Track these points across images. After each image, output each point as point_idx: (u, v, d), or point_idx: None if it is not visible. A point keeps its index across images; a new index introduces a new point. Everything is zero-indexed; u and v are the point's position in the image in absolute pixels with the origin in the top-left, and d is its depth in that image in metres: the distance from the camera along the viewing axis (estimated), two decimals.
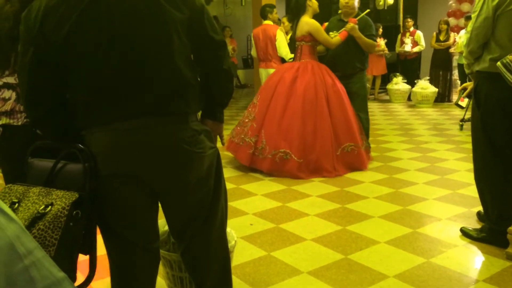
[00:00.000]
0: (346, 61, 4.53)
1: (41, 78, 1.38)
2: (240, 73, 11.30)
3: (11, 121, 1.72)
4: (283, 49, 6.00)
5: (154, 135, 1.39)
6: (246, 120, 4.48)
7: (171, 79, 1.41)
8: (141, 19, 1.36)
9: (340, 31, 4.38)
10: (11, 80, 1.71)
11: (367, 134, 4.60)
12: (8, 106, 1.72)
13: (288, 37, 6.13)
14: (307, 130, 4.15)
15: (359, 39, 4.39)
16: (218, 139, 1.73)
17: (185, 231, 1.59)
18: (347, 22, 4.41)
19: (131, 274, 1.57)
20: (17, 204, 1.38)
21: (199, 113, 1.61)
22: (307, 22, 4.31)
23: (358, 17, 4.45)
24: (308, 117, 4.17)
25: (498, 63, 2.38)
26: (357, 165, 4.29)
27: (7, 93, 1.73)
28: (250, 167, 4.37)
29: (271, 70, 6.03)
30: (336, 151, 4.20)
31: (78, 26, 1.32)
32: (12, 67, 1.70)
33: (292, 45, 5.48)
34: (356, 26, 4.34)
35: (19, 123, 1.71)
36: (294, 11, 4.49)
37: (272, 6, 6.38)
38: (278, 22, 6.40)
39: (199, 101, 1.52)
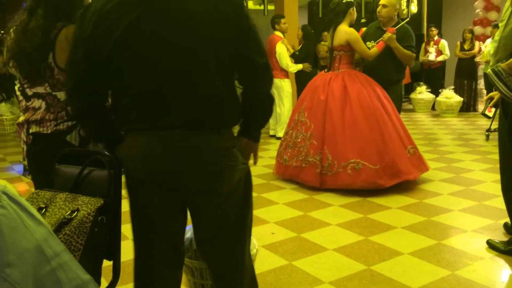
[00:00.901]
0: (382, 73, 4.32)
1: (87, 76, 1.42)
2: None
3: (41, 129, 1.76)
4: (283, 61, 6.10)
5: (188, 145, 1.42)
6: (299, 140, 4.24)
7: (210, 95, 1.43)
8: (189, 35, 1.38)
9: (378, 41, 4.24)
10: (41, 90, 1.76)
11: None
12: (38, 115, 1.76)
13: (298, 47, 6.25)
14: (374, 136, 3.94)
15: (396, 50, 4.19)
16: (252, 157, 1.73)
17: (211, 242, 1.58)
18: (385, 31, 4.24)
19: (156, 276, 1.58)
20: (44, 209, 1.41)
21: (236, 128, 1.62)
22: (346, 31, 4.17)
23: (397, 27, 4.26)
24: (371, 123, 3.98)
25: (489, 70, 2.36)
26: (422, 166, 4.14)
27: (37, 103, 1.78)
28: (272, 176, 4.35)
29: (277, 80, 6.09)
30: (406, 153, 4.06)
31: (127, 35, 1.36)
32: (42, 77, 1.74)
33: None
34: (394, 36, 4.15)
35: (49, 131, 1.75)
36: (332, 17, 4.27)
37: (280, 17, 6.44)
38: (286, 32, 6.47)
39: (236, 117, 1.53)
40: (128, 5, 1.36)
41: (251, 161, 1.70)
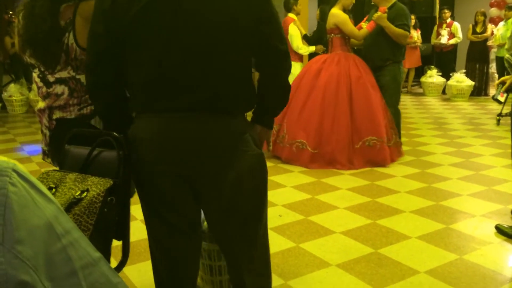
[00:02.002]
0: (375, 53, 4.42)
1: (107, 50, 1.41)
2: None
3: (65, 114, 1.76)
4: (295, 43, 6.02)
5: (200, 128, 1.41)
6: None
7: (226, 78, 1.41)
8: (207, 18, 1.36)
9: (364, 24, 4.33)
10: (64, 74, 1.74)
11: (398, 129, 4.48)
12: (61, 101, 1.75)
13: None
14: (325, 122, 4.21)
15: (387, 28, 4.23)
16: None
17: (223, 228, 1.56)
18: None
19: (174, 257, 1.59)
20: (54, 189, 1.42)
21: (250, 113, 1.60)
22: (333, 14, 4.33)
23: (388, 5, 4.30)
24: (327, 109, 4.22)
25: (507, 55, 2.31)
26: (379, 160, 4.19)
27: (59, 88, 1.76)
28: (276, 157, 4.38)
29: (293, 63, 6.11)
30: (355, 144, 4.18)
31: (145, 11, 1.34)
32: (63, 62, 1.72)
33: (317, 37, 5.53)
34: (384, 15, 4.21)
35: (73, 116, 1.74)
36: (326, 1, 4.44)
37: None
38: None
39: (250, 103, 1.51)
40: None
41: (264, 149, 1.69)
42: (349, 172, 4.07)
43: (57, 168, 1.58)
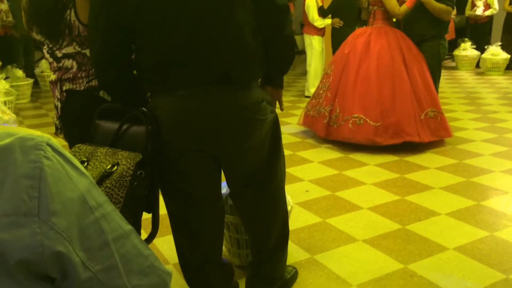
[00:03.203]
0: (415, 28, 4.18)
1: (112, 41, 1.42)
2: (298, 39, 11.07)
3: (74, 86, 1.79)
4: (310, 15, 5.90)
5: (217, 102, 1.42)
6: (321, 92, 4.35)
7: (235, 47, 1.41)
8: None
9: None
10: (70, 50, 1.77)
11: None
12: (70, 74, 1.78)
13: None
14: (384, 94, 3.93)
15: (428, 4, 3.97)
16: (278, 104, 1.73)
17: (244, 194, 1.62)
18: None
19: (196, 229, 1.63)
20: (86, 163, 1.46)
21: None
22: None
23: None
24: (385, 81, 3.96)
25: None
26: (442, 132, 4.01)
27: (68, 63, 1.79)
28: (307, 134, 4.35)
29: (306, 36, 6.08)
30: (419, 115, 3.95)
31: None
32: (68, 37, 1.74)
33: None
34: None
35: (82, 88, 1.78)
36: None
37: None
38: None
39: (260, 67, 1.51)
40: None
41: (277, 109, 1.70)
42: (377, 148, 4.00)
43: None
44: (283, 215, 1.75)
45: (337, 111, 4.11)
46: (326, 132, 4.16)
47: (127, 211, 1.36)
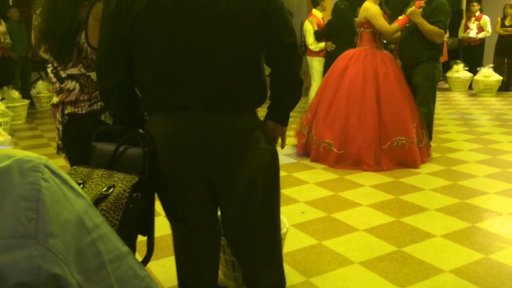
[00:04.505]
0: (407, 51, 4.20)
1: (115, 50, 1.44)
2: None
3: (76, 109, 1.80)
4: (306, 39, 6.06)
5: (208, 126, 1.41)
6: (307, 110, 4.59)
7: (232, 75, 1.41)
8: (211, 13, 1.36)
9: (401, 16, 4.13)
10: (74, 71, 1.79)
11: (429, 131, 4.27)
12: (73, 97, 1.80)
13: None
14: (350, 121, 4.05)
15: (420, 25, 3.98)
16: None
17: (238, 224, 1.57)
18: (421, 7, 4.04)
19: (194, 253, 1.61)
20: (81, 185, 1.46)
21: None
22: (365, 7, 4.17)
23: (423, 0, 4.02)
24: (353, 107, 4.06)
25: None
26: (407, 161, 4.00)
27: (71, 84, 1.81)
28: (304, 155, 4.39)
29: (308, 58, 6.30)
30: (383, 144, 3.99)
31: (146, 12, 1.36)
32: (75, 59, 1.77)
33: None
34: (418, 11, 3.97)
35: (84, 112, 1.79)
36: None
37: None
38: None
39: (260, 99, 1.49)
40: None
41: (278, 146, 1.66)
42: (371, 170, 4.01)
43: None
44: (279, 257, 1.68)
45: (313, 132, 4.31)
46: (304, 149, 4.41)
47: (122, 234, 1.33)
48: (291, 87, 1.55)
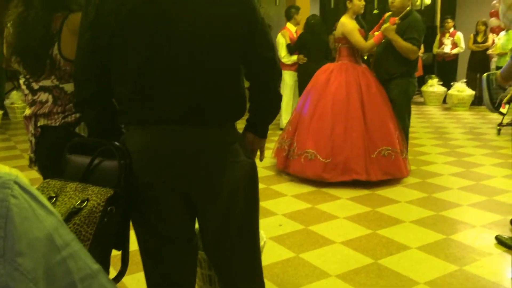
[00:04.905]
0: (382, 66, 4.28)
1: (92, 60, 1.42)
2: None
3: (49, 122, 1.77)
4: (280, 52, 6.15)
5: (188, 139, 1.40)
6: (287, 125, 4.58)
7: (211, 88, 1.40)
8: (189, 29, 1.35)
9: (377, 32, 4.22)
10: (47, 83, 1.76)
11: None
12: (46, 109, 1.77)
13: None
14: (336, 131, 4.03)
15: (394, 42, 4.05)
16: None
17: (217, 239, 1.54)
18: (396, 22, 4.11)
19: (169, 268, 1.58)
20: (54, 199, 1.43)
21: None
22: (342, 23, 4.24)
23: (399, 16, 4.08)
24: (338, 118, 4.06)
25: (484, 74, 2.30)
26: (393, 171, 4.03)
27: (43, 96, 1.78)
28: (279, 168, 4.38)
29: (283, 72, 6.21)
30: (371, 153, 4.01)
31: (128, 21, 1.35)
32: (48, 70, 1.74)
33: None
34: (392, 27, 4.04)
35: (57, 124, 1.76)
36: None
37: (297, 8, 6.39)
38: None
39: (239, 112, 1.48)
40: None
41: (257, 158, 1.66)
42: (350, 182, 4.04)
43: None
44: (259, 271, 1.65)
45: (295, 145, 4.23)
46: (284, 165, 4.29)
47: (96, 249, 1.33)
48: (269, 101, 1.56)
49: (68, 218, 1.34)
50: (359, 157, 3.97)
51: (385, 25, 4.10)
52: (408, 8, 4.15)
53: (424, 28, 4.18)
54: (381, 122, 4.07)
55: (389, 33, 4.05)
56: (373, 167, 3.97)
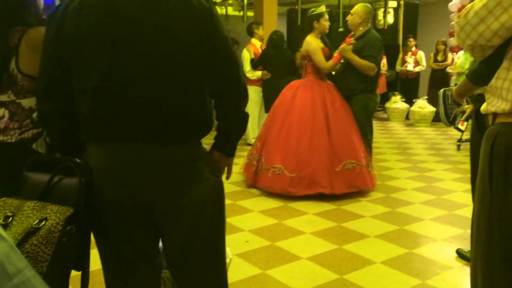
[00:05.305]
0: (342, 83, 4.40)
1: (54, 76, 1.39)
2: None
3: (5, 138, 1.71)
4: (244, 67, 6.23)
5: (148, 157, 1.37)
6: (256, 141, 4.63)
7: (172, 106, 1.38)
8: (149, 47, 1.34)
9: (335, 53, 4.34)
10: (3, 98, 1.71)
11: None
12: (2, 125, 1.71)
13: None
14: (302, 146, 4.12)
15: (352, 60, 4.18)
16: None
17: (181, 259, 1.52)
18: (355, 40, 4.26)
19: (131, 287, 1.54)
20: (11, 218, 1.37)
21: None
22: (307, 41, 4.38)
23: (356, 36, 4.27)
24: (304, 132, 4.16)
25: (441, 90, 2.39)
26: (358, 183, 4.13)
27: None
28: (248, 183, 4.38)
29: (248, 87, 6.31)
30: (335, 167, 4.09)
31: (87, 37, 1.33)
32: (5, 85, 1.69)
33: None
34: (349, 47, 4.17)
35: (13, 140, 1.70)
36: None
37: (258, 23, 6.49)
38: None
39: (202, 129, 1.46)
40: (91, 8, 1.33)
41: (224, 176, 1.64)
42: (315, 196, 4.07)
43: None
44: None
45: (263, 160, 4.30)
46: (253, 180, 4.35)
47: (54, 270, 1.28)
48: (234, 120, 1.54)
49: (25, 238, 1.29)
50: (324, 170, 4.05)
51: (341, 46, 4.25)
52: (367, 28, 4.32)
53: (381, 46, 4.32)
54: (345, 136, 4.18)
55: (346, 53, 4.20)
56: (337, 180, 4.06)
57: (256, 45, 6.40)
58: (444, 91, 2.38)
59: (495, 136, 1.47)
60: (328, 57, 4.36)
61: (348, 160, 4.11)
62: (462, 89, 2.02)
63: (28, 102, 1.71)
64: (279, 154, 4.17)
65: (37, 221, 1.32)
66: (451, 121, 2.49)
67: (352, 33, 4.44)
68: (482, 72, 1.72)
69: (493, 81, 1.52)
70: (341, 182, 4.07)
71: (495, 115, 1.51)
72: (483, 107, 1.58)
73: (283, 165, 4.10)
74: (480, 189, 1.57)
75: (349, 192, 4.11)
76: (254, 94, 6.34)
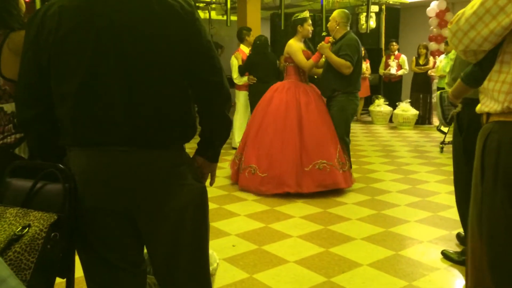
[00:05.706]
0: (323, 83, 4.56)
1: (34, 81, 1.37)
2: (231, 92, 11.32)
3: None
4: (232, 74, 6.29)
5: (131, 162, 1.35)
6: (242, 140, 4.77)
7: (155, 110, 1.36)
8: (130, 50, 1.32)
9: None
10: None
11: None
12: None
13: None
14: (274, 146, 4.28)
15: (329, 59, 4.35)
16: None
17: (166, 266, 1.50)
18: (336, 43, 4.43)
19: None
20: None
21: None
22: (289, 44, 4.53)
23: (337, 38, 4.41)
24: (277, 134, 4.32)
25: (438, 92, 2.46)
26: (328, 183, 4.19)
27: None
28: (234, 187, 4.38)
29: (236, 91, 6.52)
30: (305, 166, 4.20)
31: (66, 41, 1.31)
32: None
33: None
34: (326, 45, 4.34)
35: None
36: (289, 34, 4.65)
37: (249, 29, 6.50)
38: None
39: (186, 134, 1.45)
40: (70, 12, 1.32)
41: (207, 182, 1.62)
42: (302, 200, 4.09)
43: None
44: None
45: (242, 159, 4.48)
46: (236, 178, 4.54)
47: (38, 278, 1.25)
48: (217, 126, 1.52)
49: (8, 245, 1.27)
50: (292, 170, 4.20)
51: (320, 44, 4.41)
52: (345, 31, 4.48)
53: (357, 46, 4.42)
54: (317, 137, 4.29)
55: (324, 51, 4.38)
56: (306, 179, 4.18)
57: (245, 51, 6.42)
58: (441, 93, 2.46)
59: (488, 134, 1.56)
60: (309, 59, 4.49)
61: (319, 160, 4.21)
62: (457, 91, 2.12)
63: (11, 107, 1.68)
64: (255, 154, 4.36)
65: (20, 228, 1.29)
66: (449, 122, 2.58)
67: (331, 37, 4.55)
68: (476, 75, 1.79)
69: (485, 83, 1.60)
70: (310, 182, 4.18)
71: (488, 114, 1.59)
72: (478, 107, 1.65)
73: (257, 165, 4.31)
74: (473, 184, 1.63)
75: (333, 195, 4.16)
76: (244, 98, 6.39)
